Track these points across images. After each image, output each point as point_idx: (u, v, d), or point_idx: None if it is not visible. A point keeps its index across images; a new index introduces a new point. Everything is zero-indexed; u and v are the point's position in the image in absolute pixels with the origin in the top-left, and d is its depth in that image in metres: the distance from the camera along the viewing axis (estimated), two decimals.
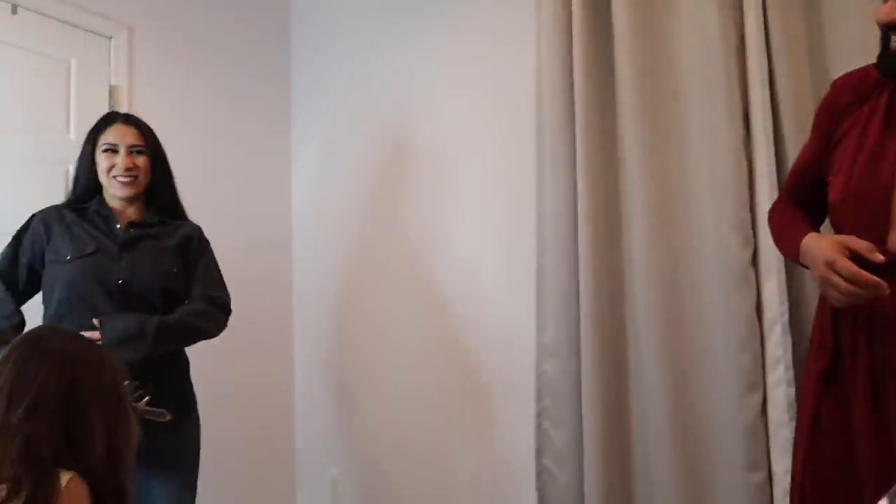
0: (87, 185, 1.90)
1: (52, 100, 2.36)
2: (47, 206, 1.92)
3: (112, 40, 2.55)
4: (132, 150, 1.88)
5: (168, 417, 1.62)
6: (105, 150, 1.86)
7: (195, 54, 2.84)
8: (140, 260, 1.84)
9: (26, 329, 1.72)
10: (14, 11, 2.30)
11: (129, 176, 1.86)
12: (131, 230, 1.88)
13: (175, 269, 1.90)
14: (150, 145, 1.93)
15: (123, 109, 2.52)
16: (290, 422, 3.07)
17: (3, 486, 1.06)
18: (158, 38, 2.70)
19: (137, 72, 2.61)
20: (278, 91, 3.17)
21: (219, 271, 2.02)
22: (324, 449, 2.95)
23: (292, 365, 3.10)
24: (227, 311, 2.00)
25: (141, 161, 1.89)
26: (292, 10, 3.21)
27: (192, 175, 2.72)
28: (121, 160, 1.86)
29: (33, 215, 1.90)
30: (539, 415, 2.15)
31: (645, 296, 2.01)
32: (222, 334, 2.13)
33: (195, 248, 1.98)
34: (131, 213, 1.92)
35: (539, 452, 2.13)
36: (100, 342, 1.67)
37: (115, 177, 1.86)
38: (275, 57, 3.17)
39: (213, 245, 2.05)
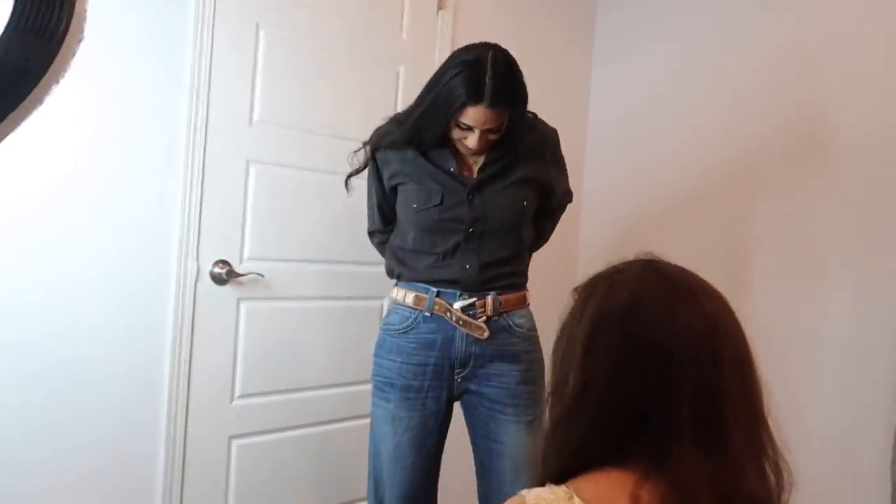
0: (433, 137, 1.65)
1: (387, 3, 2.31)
2: (383, 125, 1.75)
3: None
4: (488, 131, 1.62)
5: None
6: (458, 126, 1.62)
7: None
8: (491, 202, 1.67)
9: None
10: None
11: (478, 152, 1.67)
12: (478, 176, 1.69)
13: (525, 202, 1.72)
14: (506, 120, 1.64)
15: (449, 16, 2.43)
16: None
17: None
18: None
19: None
20: (583, 8, 3.01)
21: (566, 171, 1.85)
22: None
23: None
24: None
25: (493, 137, 1.65)
26: None
27: None
28: (473, 141, 1.62)
29: (374, 150, 1.74)
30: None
31: None
32: None
33: (548, 158, 1.78)
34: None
35: None
36: None
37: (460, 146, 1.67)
38: None
39: None
